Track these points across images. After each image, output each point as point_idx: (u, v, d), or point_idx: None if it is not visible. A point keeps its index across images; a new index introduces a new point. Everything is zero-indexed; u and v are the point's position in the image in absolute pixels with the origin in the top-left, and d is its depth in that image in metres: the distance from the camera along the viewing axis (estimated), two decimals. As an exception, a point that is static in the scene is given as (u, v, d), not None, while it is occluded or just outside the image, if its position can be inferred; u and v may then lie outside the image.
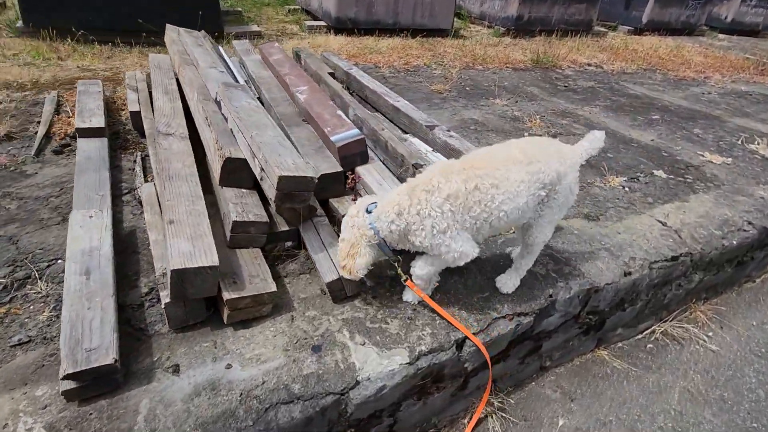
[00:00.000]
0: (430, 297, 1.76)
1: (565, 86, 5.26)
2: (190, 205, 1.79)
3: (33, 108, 3.22)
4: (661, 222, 2.62)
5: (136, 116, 2.95)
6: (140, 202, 2.28)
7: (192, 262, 1.49)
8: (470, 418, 1.98)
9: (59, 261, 1.90)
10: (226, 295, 1.57)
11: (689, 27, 10.18)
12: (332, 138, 2.25)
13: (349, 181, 2.14)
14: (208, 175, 2.25)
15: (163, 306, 1.55)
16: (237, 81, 3.23)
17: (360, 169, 2.31)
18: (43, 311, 1.67)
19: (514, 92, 4.78)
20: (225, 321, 1.63)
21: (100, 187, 2.24)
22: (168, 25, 3.85)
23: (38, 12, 4.65)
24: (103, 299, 1.53)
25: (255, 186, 2.06)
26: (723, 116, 4.71)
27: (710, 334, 2.62)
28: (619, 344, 2.52)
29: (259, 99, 3.00)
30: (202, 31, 4.00)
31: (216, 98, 2.52)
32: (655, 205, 2.80)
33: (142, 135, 2.94)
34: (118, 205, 2.28)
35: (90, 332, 1.42)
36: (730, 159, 3.58)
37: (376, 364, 1.59)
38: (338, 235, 1.78)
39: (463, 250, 1.59)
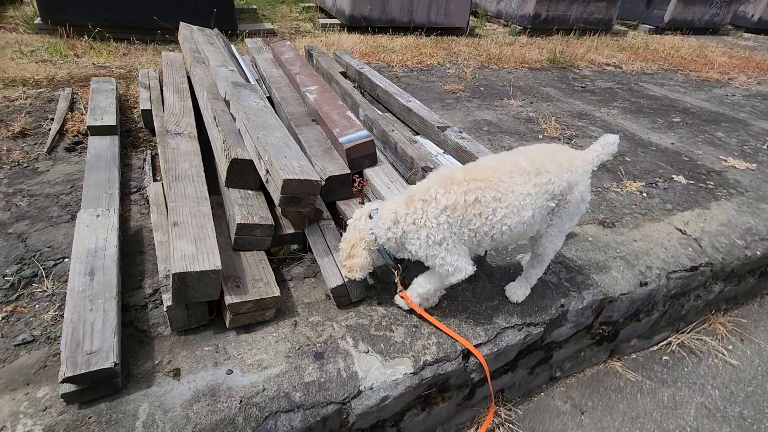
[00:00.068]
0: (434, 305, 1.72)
1: (583, 87, 5.14)
2: (195, 206, 1.77)
3: (48, 105, 3.26)
4: (680, 230, 2.53)
5: (147, 114, 2.96)
6: (148, 201, 2.28)
7: (194, 265, 1.47)
8: (477, 429, 1.93)
9: (66, 260, 1.91)
10: (229, 300, 1.55)
11: (713, 26, 9.89)
12: (340, 139, 2.21)
13: (356, 184, 2.10)
14: (217, 174, 2.24)
15: (165, 309, 1.53)
16: (248, 79, 3.21)
17: (368, 172, 2.27)
18: (48, 310, 1.68)
19: (530, 93, 4.68)
20: (227, 325, 1.61)
21: (109, 186, 2.24)
22: (181, 23, 3.86)
23: (56, 9, 4.71)
24: (106, 301, 1.52)
25: (262, 187, 2.04)
26: (747, 119, 4.55)
27: (730, 347, 2.52)
28: (633, 355, 2.44)
29: (270, 98, 2.98)
30: (215, 29, 4.00)
31: (225, 97, 2.51)
32: (674, 212, 2.70)
33: (153, 133, 2.94)
34: (126, 204, 2.28)
35: (91, 334, 1.41)
36: (754, 164, 3.45)
37: (380, 373, 1.55)
38: (344, 239, 1.76)
39: (458, 264, 1.54)
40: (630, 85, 5.43)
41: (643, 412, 2.13)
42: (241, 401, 1.40)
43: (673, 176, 3.13)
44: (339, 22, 6.57)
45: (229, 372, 1.49)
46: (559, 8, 7.61)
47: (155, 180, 2.48)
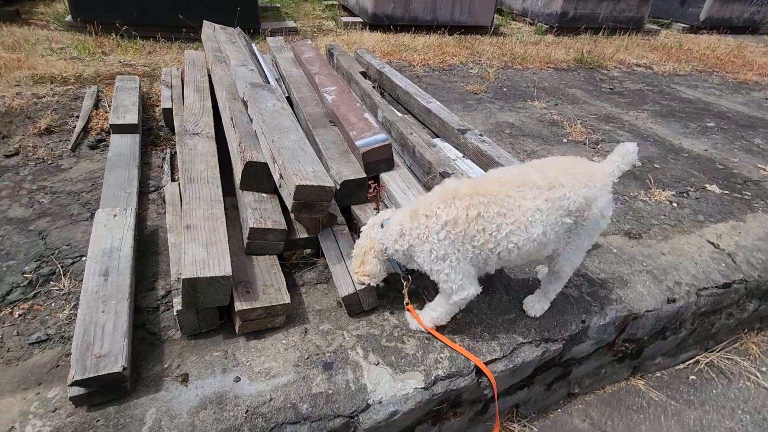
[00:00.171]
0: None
1: (611, 88, 4.96)
2: (209, 209, 1.76)
3: (74, 102, 3.33)
4: (712, 243, 2.39)
5: (168, 113, 2.98)
6: (165, 201, 2.29)
7: (205, 271, 1.46)
8: (489, 445, 1.87)
9: (83, 258, 1.93)
10: (238, 306, 1.53)
11: (753, 24, 9.43)
12: (357, 143, 2.17)
13: (371, 190, 2.05)
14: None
15: (175, 313, 1.52)
16: (267, 79, 3.21)
17: (384, 176, 2.22)
18: (64, 309, 1.69)
19: (555, 94, 4.54)
20: (237, 331, 1.59)
21: (128, 185, 2.26)
22: (205, 22, 3.89)
23: (86, 7, 4.82)
24: (118, 303, 1.53)
25: (276, 190, 2.01)
26: (789, 125, 4.30)
27: (763, 368, 2.38)
28: (657, 373, 2.32)
29: (289, 98, 2.96)
30: (237, 28, 4.02)
31: (243, 98, 2.50)
32: (707, 223, 2.56)
33: (174, 132, 2.97)
34: (143, 203, 2.30)
35: (102, 337, 1.41)
36: (795, 174, 3.25)
37: (389, 387, 1.50)
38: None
39: (462, 284, 1.49)
40: (661, 87, 5.21)
41: (666, 436, 2.02)
42: (247, 411, 1.38)
43: (706, 185, 2.98)
44: (361, 20, 6.53)
45: (237, 379, 1.47)
46: (588, 6, 7.38)
47: (173, 179, 2.49)
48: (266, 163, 1.94)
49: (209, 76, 3.12)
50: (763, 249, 2.39)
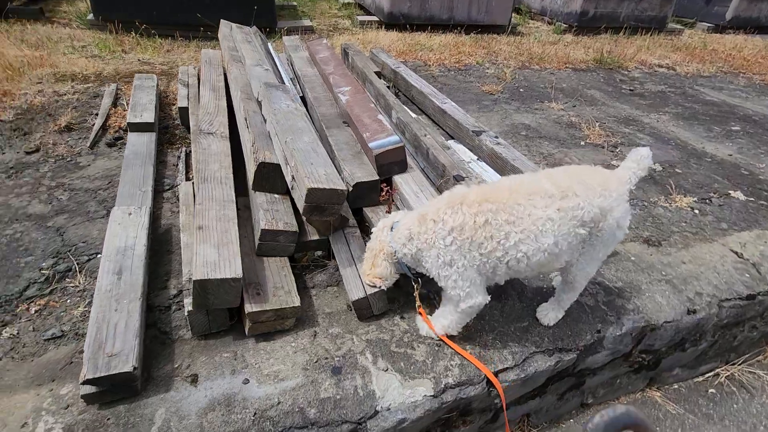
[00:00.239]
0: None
1: (631, 90, 4.84)
2: (221, 210, 1.77)
3: (93, 100, 3.38)
4: (735, 252, 2.31)
5: (184, 112, 3.01)
6: (179, 200, 2.31)
7: (215, 272, 1.46)
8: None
9: (99, 255, 1.95)
10: (248, 308, 1.53)
11: (782, 24, 9.09)
12: (370, 144, 2.15)
13: (383, 193, 2.03)
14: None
15: (186, 313, 1.53)
16: (282, 79, 3.21)
17: (397, 179, 2.20)
18: (79, 306, 1.72)
19: (573, 95, 4.45)
20: (246, 333, 1.60)
21: (143, 183, 2.29)
22: (222, 21, 3.91)
23: (107, 5, 4.90)
24: (131, 302, 1.54)
25: (288, 191, 2.01)
26: (819, 129, 4.13)
27: (787, 384, 2.29)
28: (675, 386, 2.26)
29: (303, 98, 2.96)
30: (254, 27, 4.03)
31: (257, 98, 2.50)
32: (730, 232, 2.48)
33: (189, 130, 2.99)
34: (158, 202, 2.32)
35: (114, 335, 1.42)
36: (825, 181, 3.12)
37: (398, 393, 1.49)
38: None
39: (469, 291, 1.46)
40: (684, 88, 5.07)
41: (683, 451, 1.96)
42: (255, 414, 1.38)
43: (729, 192, 2.88)
44: (377, 19, 6.50)
45: (246, 381, 1.47)
46: (609, 5, 7.21)
47: (187, 178, 2.51)
48: (279, 164, 1.94)
49: (225, 75, 3.14)
50: (789, 259, 2.30)
